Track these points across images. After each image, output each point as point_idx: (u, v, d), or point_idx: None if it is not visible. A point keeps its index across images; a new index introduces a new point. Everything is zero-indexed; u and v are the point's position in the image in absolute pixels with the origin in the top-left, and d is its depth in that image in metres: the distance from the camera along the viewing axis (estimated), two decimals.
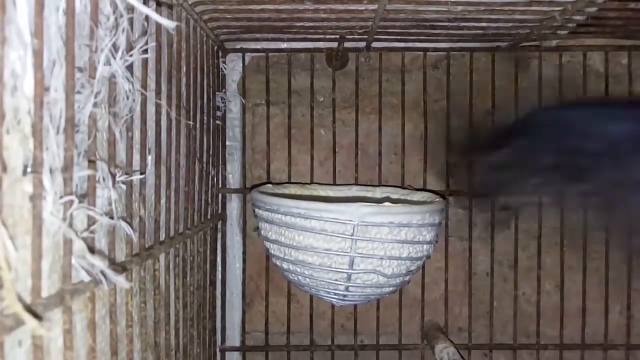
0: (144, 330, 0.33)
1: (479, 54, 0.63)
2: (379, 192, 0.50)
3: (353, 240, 0.35)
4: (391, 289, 0.38)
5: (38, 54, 0.21)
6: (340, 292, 0.37)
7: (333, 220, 0.35)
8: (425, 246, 0.37)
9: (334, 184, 0.60)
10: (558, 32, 0.56)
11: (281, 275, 0.63)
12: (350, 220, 0.35)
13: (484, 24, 0.52)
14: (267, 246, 0.40)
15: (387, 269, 0.36)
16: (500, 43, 0.61)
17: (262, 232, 0.40)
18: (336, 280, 0.36)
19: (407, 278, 0.38)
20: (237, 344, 0.63)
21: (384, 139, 0.62)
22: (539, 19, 0.49)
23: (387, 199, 0.45)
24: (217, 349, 0.61)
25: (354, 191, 0.51)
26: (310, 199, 0.42)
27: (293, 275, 0.38)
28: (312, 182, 0.60)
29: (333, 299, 0.39)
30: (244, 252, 0.63)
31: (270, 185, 0.50)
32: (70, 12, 0.23)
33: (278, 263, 0.39)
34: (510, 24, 0.52)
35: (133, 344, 0.32)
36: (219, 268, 0.62)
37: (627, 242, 0.57)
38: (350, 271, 0.36)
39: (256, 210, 0.40)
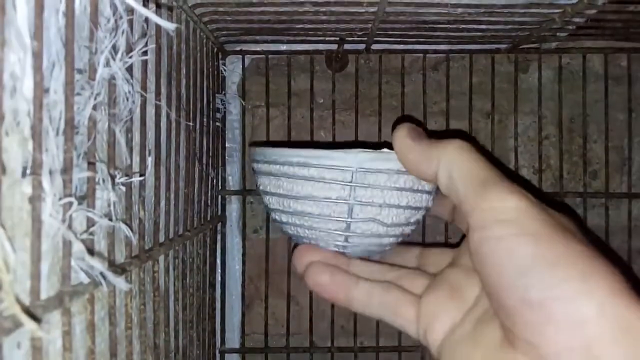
0: (143, 332, 0.33)
1: (478, 56, 0.63)
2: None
3: (352, 188, 0.34)
4: (391, 239, 0.37)
5: (37, 56, 0.21)
6: (340, 243, 0.36)
7: (331, 167, 0.34)
8: (424, 196, 0.36)
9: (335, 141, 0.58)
10: (557, 34, 0.56)
11: (281, 277, 0.63)
12: (349, 167, 0.34)
13: (483, 26, 0.52)
14: (265, 201, 0.39)
15: (387, 217, 0.35)
16: (500, 45, 0.61)
17: (261, 187, 0.38)
18: (336, 230, 0.36)
19: (407, 229, 0.37)
20: (237, 345, 0.63)
21: (384, 140, 0.62)
22: (539, 22, 0.50)
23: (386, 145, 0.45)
24: (217, 351, 0.61)
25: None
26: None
27: (292, 228, 0.37)
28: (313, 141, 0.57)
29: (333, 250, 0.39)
30: (243, 254, 0.63)
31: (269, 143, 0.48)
32: (69, 13, 0.23)
33: (277, 217, 0.38)
34: (509, 26, 0.52)
35: (132, 345, 0.32)
36: (219, 270, 0.62)
37: None
38: (349, 220, 0.35)
39: (254, 164, 0.39)
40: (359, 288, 0.35)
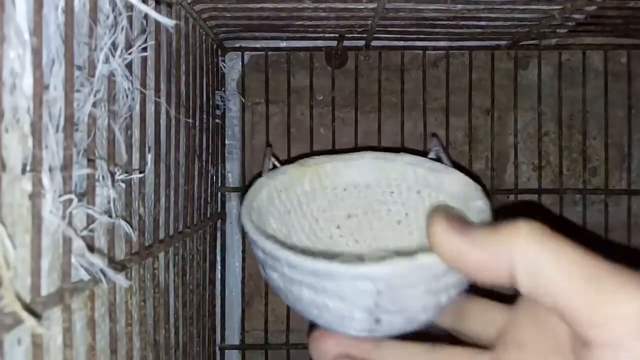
0: (143, 329, 0.33)
1: (478, 52, 0.63)
2: (399, 162, 0.39)
3: (378, 301, 0.27)
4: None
5: (37, 53, 0.21)
6: (365, 334, 0.29)
7: (354, 285, 0.26)
8: (465, 282, 0.28)
9: (344, 152, 0.45)
10: (557, 30, 0.56)
11: None
12: (376, 283, 0.26)
13: (483, 23, 0.52)
14: (270, 283, 0.31)
15: (423, 316, 0.28)
16: (500, 42, 0.61)
17: (266, 276, 0.30)
18: (357, 333, 0.29)
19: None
20: (237, 342, 0.63)
21: (384, 137, 0.62)
22: (538, 18, 0.50)
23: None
24: (217, 348, 0.61)
25: (368, 161, 0.40)
26: (317, 186, 0.36)
27: (309, 319, 0.30)
28: (314, 155, 0.43)
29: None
30: (243, 251, 0.63)
31: (263, 180, 0.37)
32: (69, 10, 0.23)
33: (288, 304, 0.31)
34: (509, 23, 0.52)
35: (133, 342, 0.32)
36: (219, 267, 0.62)
37: None
38: (374, 327, 0.28)
39: (255, 251, 0.30)
40: None
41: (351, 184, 0.40)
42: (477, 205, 0.32)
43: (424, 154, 0.41)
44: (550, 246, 0.22)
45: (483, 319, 0.28)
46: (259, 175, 0.37)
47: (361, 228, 0.39)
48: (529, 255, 0.22)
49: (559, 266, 0.21)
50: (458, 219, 0.24)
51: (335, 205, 0.40)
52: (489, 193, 0.39)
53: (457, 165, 0.38)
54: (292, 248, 0.28)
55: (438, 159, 0.40)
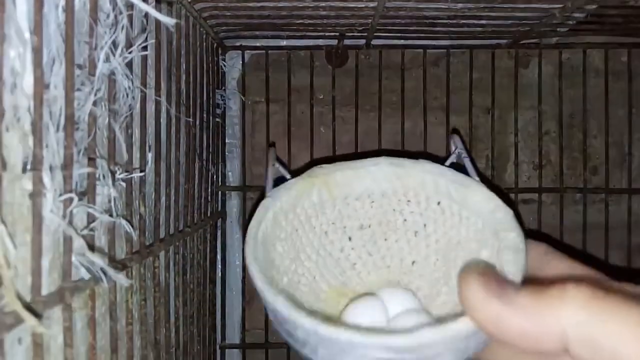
0: (144, 328, 0.34)
1: (478, 51, 0.63)
2: (418, 170, 0.35)
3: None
4: None
5: (37, 52, 0.21)
6: None
7: (375, 353, 0.25)
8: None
9: (354, 158, 0.38)
10: (558, 29, 0.56)
11: None
12: (401, 354, 0.24)
13: (483, 22, 0.52)
14: (280, 333, 0.28)
15: None
16: (500, 41, 0.61)
17: (270, 314, 0.28)
18: None
19: None
20: (237, 341, 0.63)
21: (384, 136, 0.62)
22: (539, 17, 0.49)
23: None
24: (217, 347, 0.61)
25: (383, 167, 0.35)
26: (327, 199, 0.32)
27: None
28: (317, 163, 0.37)
29: None
30: (243, 250, 0.63)
31: (267, 201, 0.32)
32: (69, 9, 0.23)
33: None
34: (510, 22, 0.52)
35: (133, 341, 0.32)
36: (219, 266, 0.62)
37: None
38: None
39: (259, 293, 0.28)
40: None
41: (364, 193, 0.36)
42: (510, 238, 0.28)
43: (428, 154, 0.38)
44: (605, 310, 0.19)
45: (514, 351, 0.25)
46: (262, 195, 0.33)
47: (375, 240, 0.36)
48: (582, 323, 0.19)
49: (620, 331, 0.19)
50: (494, 278, 0.22)
51: (346, 216, 0.36)
52: (520, 218, 0.34)
53: (479, 174, 0.34)
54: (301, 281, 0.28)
55: (459, 164, 0.36)
